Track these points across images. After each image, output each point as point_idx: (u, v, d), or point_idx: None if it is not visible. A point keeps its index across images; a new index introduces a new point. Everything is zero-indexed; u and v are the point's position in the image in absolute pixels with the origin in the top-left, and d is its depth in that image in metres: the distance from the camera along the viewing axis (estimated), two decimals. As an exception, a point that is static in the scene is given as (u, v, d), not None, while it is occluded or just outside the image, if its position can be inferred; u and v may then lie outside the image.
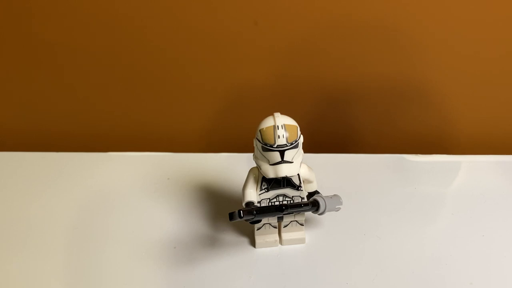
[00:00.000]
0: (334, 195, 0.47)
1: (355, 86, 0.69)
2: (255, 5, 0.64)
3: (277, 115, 0.46)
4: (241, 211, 0.43)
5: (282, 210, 0.44)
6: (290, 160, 0.45)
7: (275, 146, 0.45)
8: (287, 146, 0.45)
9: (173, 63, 0.68)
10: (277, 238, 0.51)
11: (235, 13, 0.64)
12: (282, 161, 0.45)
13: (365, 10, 0.63)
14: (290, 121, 0.46)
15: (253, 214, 0.43)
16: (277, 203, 0.48)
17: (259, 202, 0.48)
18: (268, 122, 0.45)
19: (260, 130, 0.45)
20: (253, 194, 0.47)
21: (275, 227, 0.50)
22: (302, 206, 0.46)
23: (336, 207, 0.47)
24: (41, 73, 0.69)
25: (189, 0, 0.63)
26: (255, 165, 0.47)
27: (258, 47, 0.66)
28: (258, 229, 0.50)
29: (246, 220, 0.44)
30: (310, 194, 0.50)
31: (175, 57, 0.67)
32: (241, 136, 0.58)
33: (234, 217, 0.43)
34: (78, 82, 0.70)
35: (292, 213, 0.48)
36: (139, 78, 0.69)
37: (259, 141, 0.45)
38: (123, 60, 0.68)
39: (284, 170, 0.45)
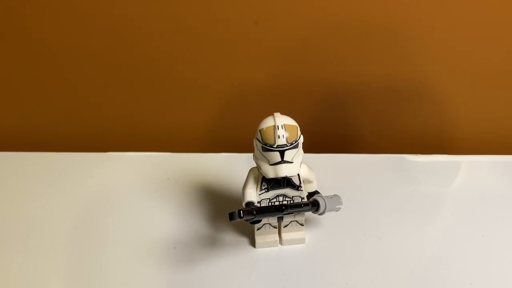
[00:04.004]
0: (334, 195, 0.47)
1: (355, 86, 0.69)
2: (255, 5, 0.63)
3: (277, 115, 0.46)
4: (241, 211, 0.43)
5: (282, 210, 0.44)
6: (290, 160, 0.45)
7: (275, 146, 0.45)
8: (287, 146, 0.45)
9: (173, 63, 0.68)
10: (277, 238, 0.51)
11: (235, 13, 0.64)
12: (282, 161, 0.45)
13: (365, 10, 0.63)
14: (290, 121, 0.46)
15: (253, 214, 0.43)
16: (277, 203, 0.48)
17: (259, 202, 0.48)
18: (268, 122, 0.45)
19: (260, 130, 0.45)
20: (253, 194, 0.47)
21: (275, 227, 0.50)
22: (302, 206, 0.46)
23: (336, 207, 0.47)
24: (41, 73, 0.69)
25: (189, 0, 0.64)
26: (255, 165, 0.47)
27: (258, 47, 0.66)
28: (258, 229, 0.50)
29: (246, 220, 0.44)
30: (310, 194, 0.50)
31: (175, 57, 0.67)
32: (241, 136, 0.58)
33: (234, 217, 0.43)
34: (78, 82, 0.70)
35: (292, 213, 0.48)
36: (139, 78, 0.69)
37: (259, 141, 0.45)
38: (123, 60, 0.68)
39: (284, 170, 0.45)
